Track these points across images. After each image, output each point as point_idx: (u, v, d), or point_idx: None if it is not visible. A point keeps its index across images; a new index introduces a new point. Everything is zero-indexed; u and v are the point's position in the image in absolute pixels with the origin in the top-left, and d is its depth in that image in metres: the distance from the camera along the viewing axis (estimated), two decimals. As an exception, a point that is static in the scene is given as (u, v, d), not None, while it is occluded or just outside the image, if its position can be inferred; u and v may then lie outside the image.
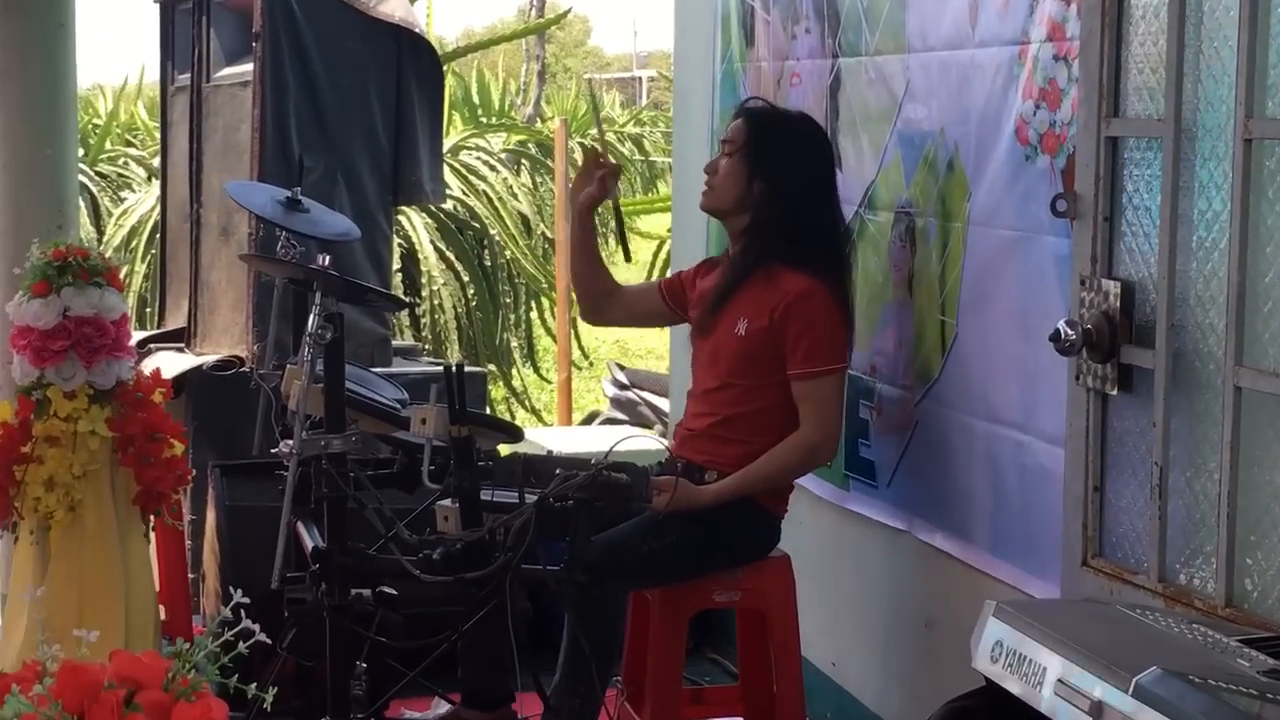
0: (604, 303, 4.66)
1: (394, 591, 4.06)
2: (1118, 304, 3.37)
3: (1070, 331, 3.44)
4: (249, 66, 6.43)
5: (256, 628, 2.09)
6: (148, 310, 11.12)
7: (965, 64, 4.13)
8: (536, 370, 13.32)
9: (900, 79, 4.47)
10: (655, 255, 13.31)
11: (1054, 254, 3.72)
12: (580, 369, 13.59)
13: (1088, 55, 3.47)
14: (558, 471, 3.85)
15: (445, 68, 11.50)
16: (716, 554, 4.28)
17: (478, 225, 11.97)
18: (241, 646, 2.03)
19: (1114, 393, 3.42)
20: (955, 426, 4.23)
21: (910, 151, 4.42)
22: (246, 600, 2.14)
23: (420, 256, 11.26)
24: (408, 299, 10.97)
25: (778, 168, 4.32)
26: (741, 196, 4.34)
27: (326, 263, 4.36)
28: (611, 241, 22.30)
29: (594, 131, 9.92)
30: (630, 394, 10.42)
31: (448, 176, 11.59)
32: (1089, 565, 3.50)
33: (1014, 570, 3.95)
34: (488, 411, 8.66)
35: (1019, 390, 3.93)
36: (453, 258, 11.54)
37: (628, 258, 4.89)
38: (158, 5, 7.25)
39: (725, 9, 5.69)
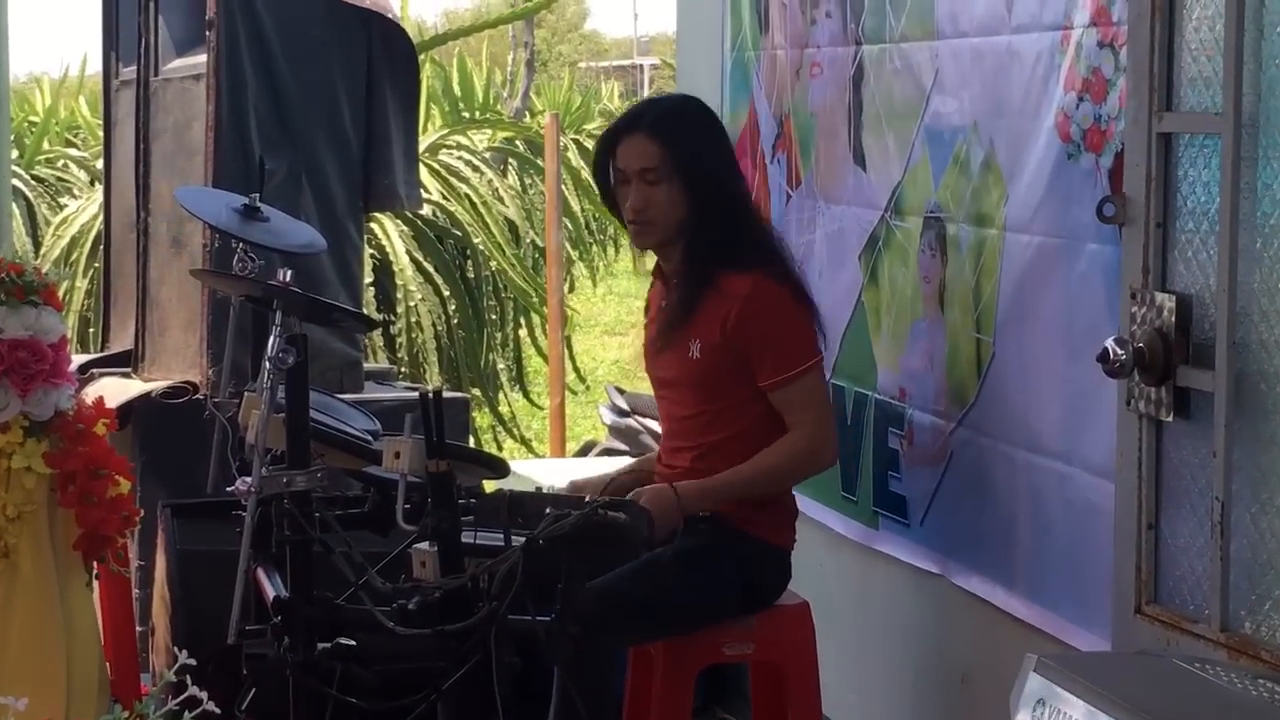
0: None
1: (352, 642, 4.06)
2: (1173, 320, 3.38)
3: (1120, 351, 3.44)
4: (202, 58, 6.43)
5: (204, 695, 2.08)
6: (90, 331, 11.12)
7: (1001, 51, 4.14)
8: (526, 395, 13.33)
9: (928, 68, 4.48)
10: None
11: (1101, 263, 3.73)
12: (575, 393, 13.60)
13: (1136, 42, 3.48)
14: (548, 510, 3.85)
15: (423, 57, 11.53)
16: (724, 598, 4.29)
17: (459, 233, 11.98)
18: (188, 717, 2.03)
19: (1169, 419, 3.42)
20: (994, 457, 4.23)
21: (939, 149, 4.44)
22: (193, 662, 2.13)
23: (395, 269, 11.27)
24: (381, 317, 10.98)
25: (710, 170, 4.38)
26: (684, 218, 4.37)
27: (288, 278, 4.37)
28: (610, 252, 22.26)
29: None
30: (631, 421, 10.39)
31: (425, 179, 11.61)
32: (1143, 613, 3.50)
33: (1056, 619, 3.96)
34: (471, 442, 8.66)
35: (1062, 416, 3.94)
36: (431, 270, 11.55)
37: None
38: (100, -11, 7.27)
39: (738, -12, 5.70)
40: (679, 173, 4.34)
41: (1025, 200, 4.05)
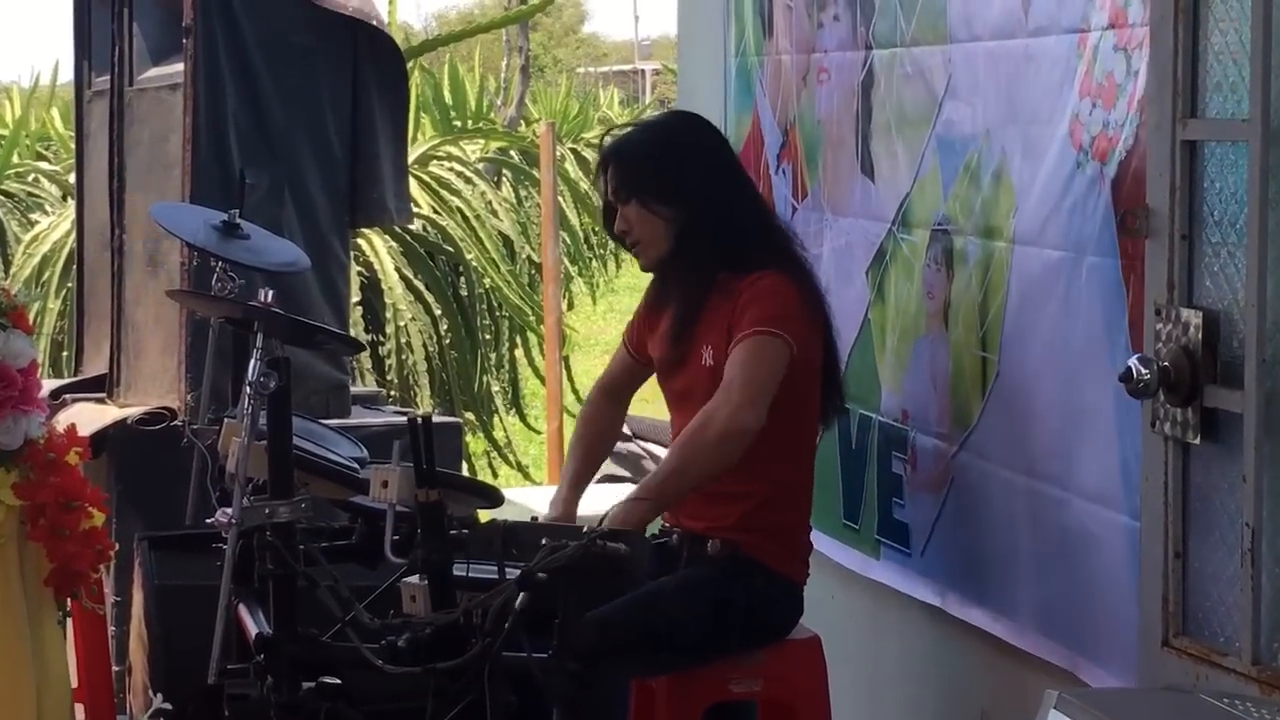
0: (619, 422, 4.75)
1: (339, 682, 4.06)
2: (1199, 337, 3.39)
3: (1144, 370, 3.45)
4: (179, 67, 6.45)
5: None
6: (63, 355, 11.12)
7: (1018, 56, 4.15)
8: (523, 418, 13.33)
9: (941, 74, 4.50)
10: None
11: (1100, 278, 3.76)
12: (574, 417, 13.57)
13: (1159, 46, 3.50)
14: (544, 541, 3.85)
15: (411, 63, 11.54)
16: (731, 632, 4.30)
17: (451, 249, 11.98)
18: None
19: (1196, 441, 3.43)
20: (994, 483, 4.25)
21: (950, 159, 4.45)
22: (169, 706, 2.14)
23: (384, 287, 11.27)
24: (368, 338, 10.98)
25: (676, 185, 4.40)
26: (666, 235, 4.42)
27: (270, 298, 4.38)
28: (611, 267, 22.28)
29: None
30: (633, 446, 10.40)
31: (415, 192, 11.62)
32: (1170, 646, 3.50)
33: (1064, 651, 3.98)
34: (464, 469, 8.65)
35: (1059, 440, 3.96)
36: (422, 287, 11.55)
37: None
38: (71, -5, 7.28)
39: (738, -8, 5.72)
40: (640, 192, 4.42)
41: (1035, 212, 4.07)
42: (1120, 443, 3.79)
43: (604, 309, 21.00)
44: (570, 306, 17.87)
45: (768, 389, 4.22)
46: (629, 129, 4.62)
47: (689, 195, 4.39)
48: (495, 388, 12.44)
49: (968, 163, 4.37)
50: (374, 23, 6.80)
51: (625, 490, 5.21)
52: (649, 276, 4.63)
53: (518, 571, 3.85)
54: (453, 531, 3.99)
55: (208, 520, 4.27)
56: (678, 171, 4.41)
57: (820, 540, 5.04)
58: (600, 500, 4.64)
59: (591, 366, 17.51)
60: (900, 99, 4.73)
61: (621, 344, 4.77)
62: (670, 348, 4.47)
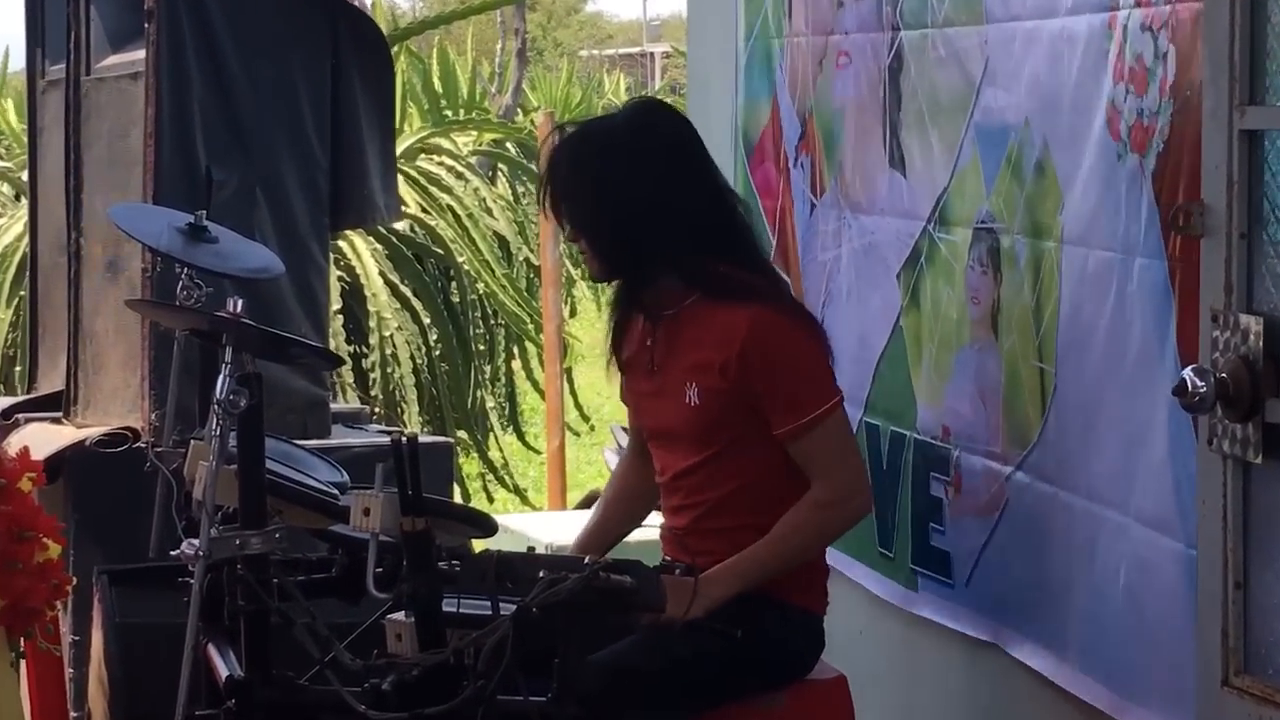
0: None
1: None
2: (1260, 345, 3.38)
3: (1199, 382, 3.44)
4: (140, 54, 6.45)
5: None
6: (16, 370, 11.15)
7: (1055, 36, 4.16)
8: (521, 437, 13.35)
9: (977, 57, 4.50)
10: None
11: (1149, 281, 3.77)
12: (577, 435, 13.61)
13: (1214, 27, 3.49)
14: (541, 574, 3.86)
15: (397, 48, 11.57)
16: (747, 672, 4.30)
17: (441, 251, 12.01)
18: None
19: (1258, 460, 3.43)
20: (1053, 507, 4.25)
21: (991, 150, 4.45)
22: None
23: (367, 293, 11.30)
24: (351, 349, 11.00)
25: (612, 203, 4.35)
26: (610, 259, 4.41)
27: (240, 308, 4.38)
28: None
29: None
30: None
31: (402, 188, 11.63)
32: (1230, 685, 3.49)
33: (1111, 692, 3.99)
34: (457, 493, 8.66)
35: (1116, 459, 3.97)
36: (409, 294, 11.58)
37: None
38: (23, -24, 7.30)
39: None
40: (572, 215, 4.42)
41: (1080, 208, 4.08)
42: (1174, 463, 3.79)
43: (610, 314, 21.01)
44: (573, 313, 17.90)
45: (859, 459, 4.41)
46: (572, 132, 4.51)
47: (627, 218, 4.34)
48: (490, 403, 12.47)
49: (1009, 154, 4.37)
50: (355, 3, 6.81)
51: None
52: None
53: (513, 607, 3.85)
54: (442, 564, 4.00)
55: (173, 552, 4.27)
56: (610, 191, 4.34)
57: (853, 569, 5.05)
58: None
59: (596, 379, 17.49)
60: (934, 84, 4.72)
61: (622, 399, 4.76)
62: (642, 379, 4.47)
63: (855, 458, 4.38)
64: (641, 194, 4.34)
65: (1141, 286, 3.84)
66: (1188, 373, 3.47)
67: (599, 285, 18.92)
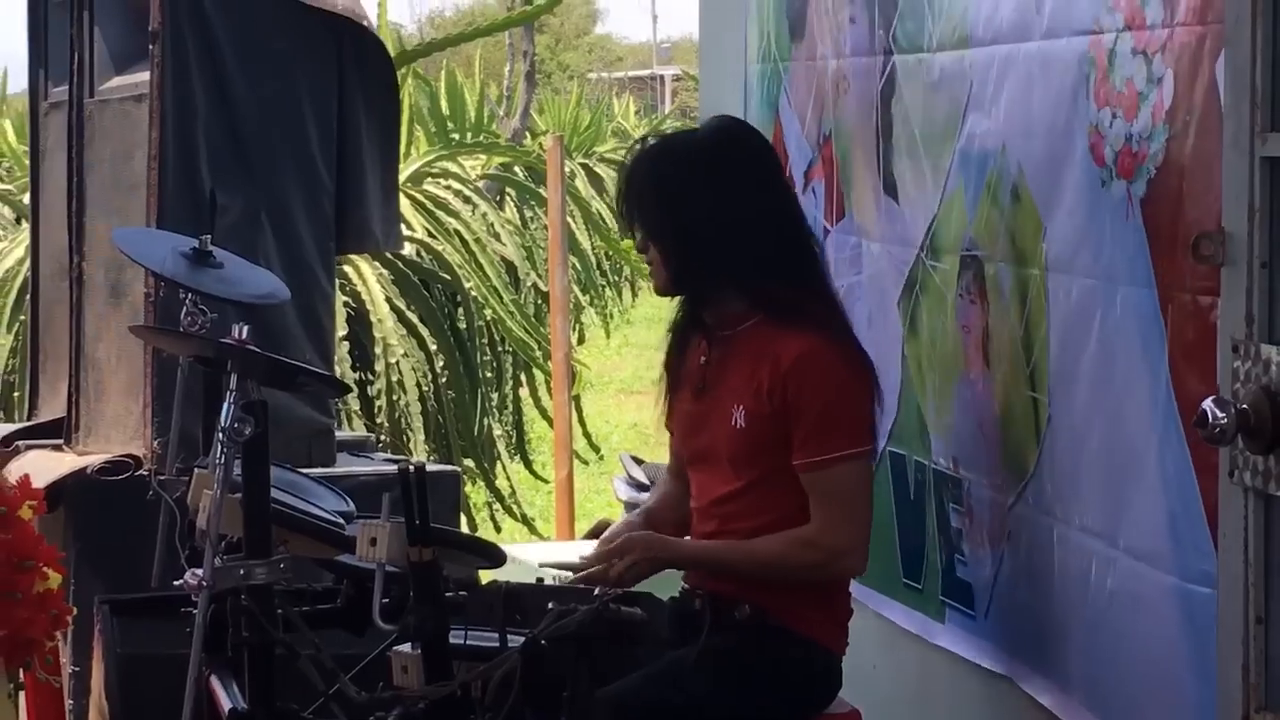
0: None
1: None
2: (1282, 376, 3.39)
3: (1220, 413, 3.44)
4: (144, 76, 6.47)
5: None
6: (15, 396, 11.16)
7: (1032, 59, 4.16)
8: (528, 465, 13.34)
9: (962, 82, 4.50)
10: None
11: (1135, 310, 3.77)
12: (586, 463, 13.60)
13: (1236, 51, 3.49)
14: (550, 605, 3.86)
15: (405, 70, 11.59)
16: (762, 709, 4.29)
17: (448, 276, 12.01)
18: None
19: (1280, 493, 3.43)
20: (1051, 538, 4.25)
21: (972, 176, 4.46)
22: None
23: (373, 319, 11.30)
24: (356, 376, 10.99)
25: (686, 218, 4.38)
26: (679, 273, 4.42)
27: (244, 334, 4.39)
28: (626, 296, 22.30)
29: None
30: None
31: (409, 213, 11.65)
32: (1252, 721, 3.50)
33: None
34: (463, 522, 8.66)
35: (1106, 490, 3.97)
36: (416, 320, 11.57)
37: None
38: (25, -4, 7.32)
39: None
40: (651, 227, 4.44)
41: (1064, 235, 4.08)
42: (1166, 494, 3.79)
43: (618, 343, 21.03)
44: (581, 340, 17.91)
45: (867, 520, 4.36)
46: (654, 144, 4.58)
47: (699, 233, 4.37)
48: (498, 431, 12.46)
49: (988, 181, 4.38)
50: (362, 24, 6.81)
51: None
52: (667, 307, 4.64)
53: (521, 639, 3.86)
54: (449, 594, 4.00)
55: (176, 582, 4.28)
56: (685, 206, 4.37)
57: (875, 601, 5.04)
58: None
59: (605, 407, 17.55)
60: (924, 110, 4.73)
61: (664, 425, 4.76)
62: (692, 399, 4.47)
63: (864, 514, 4.34)
64: (715, 210, 4.36)
65: (1127, 315, 3.83)
66: (1208, 404, 3.46)
67: (608, 312, 18.91)
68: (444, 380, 11.62)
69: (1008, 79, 4.27)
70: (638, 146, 4.58)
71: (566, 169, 11.73)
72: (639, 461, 11.22)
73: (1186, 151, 3.70)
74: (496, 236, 12.98)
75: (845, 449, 4.28)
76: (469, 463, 11.81)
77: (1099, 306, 3.95)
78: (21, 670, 4.54)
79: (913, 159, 4.77)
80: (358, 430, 10.10)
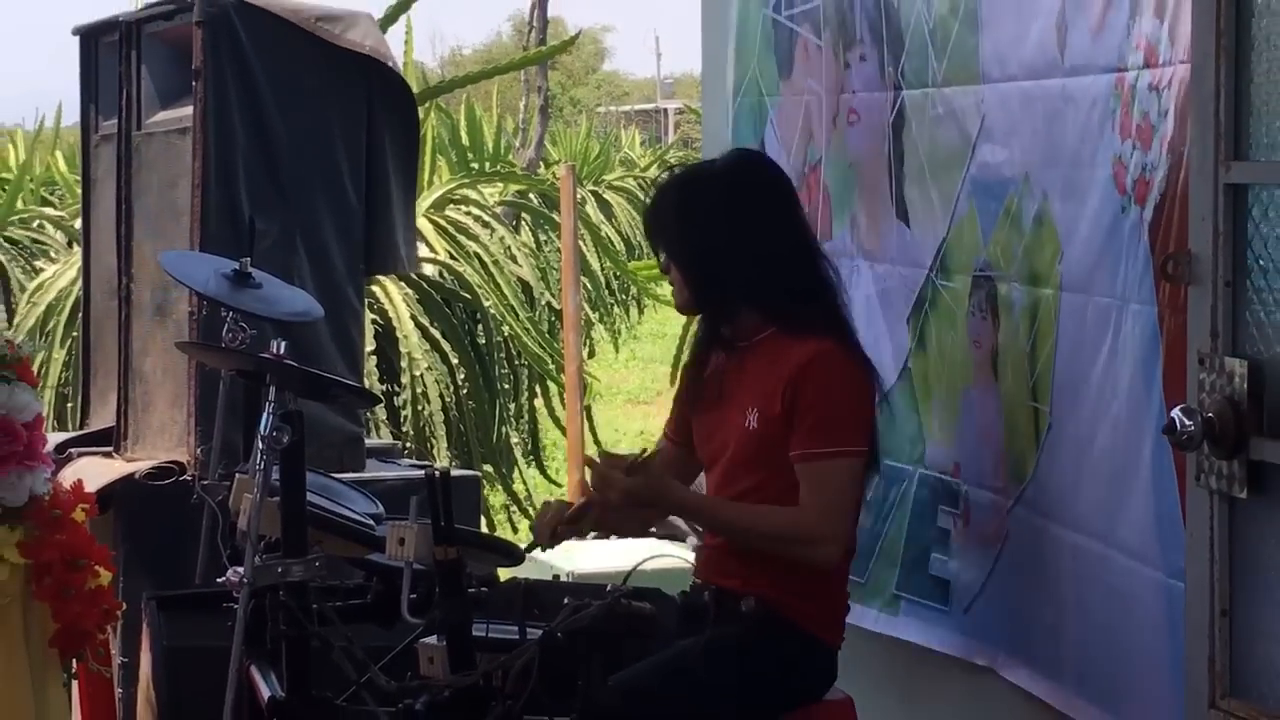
0: None
1: None
2: (1245, 387, 3.38)
3: (1188, 421, 3.44)
4: (188, 110, 6.47)
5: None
6: (69, 406, 11.15)
7: (1055, 96, 4.17)
8: (543, 471, 13.34)
9: (974, 115, 4.51)
10: (686, 330, 13.36)
11: (1141, 326, 3.77)
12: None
13: (1201, 86, 3.50)
14: (566, 601, 3.86)
15: (428, 104, 11.58)
16: (760, 697, 4.28)
17: (469, 295, 12.01)
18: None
19: (1243, 495, 3.42)
20: (1047, 539, 4.26)
21: (988, 203, 4.46)
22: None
23: (399, 335, 11.30)
24: (384, 387, 10.99)
25: (702, 247, 4.41)
26: (698, 292, 4.44)
27: (282, 349, 4.39)
28: (633, 313, 22.26)
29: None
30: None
31: (432, 236, 11.67)
32: (1217, 707, 3.49)
33: (1101, 715, 3.98)
34: (483, 523, 8.66)
35: (1103, 494, 3.98)
36: (439, 335, 11.57)
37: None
38: (77, 36, 7.31)
39: (742, 29, 5.72)
40: (669, 249, 4.47)
41: (1081, 257, 4.08)
42: (1155, 497, 3.81)
43: (626, 356, 21.02)
44: (591, 354, 17.89)
45: (852, 516, 4.32)
46: (679, 174, 4.62)
47: (717, 257, 4.39)
48: (514, 439, 12.46)
49: (1007, 206, 4.39)
50: (389, 63, 6.82)
51: (647, 547, 5.22)
52: (672, 323, 4.66)
53: (539, 632, 3.85)
54: (472, 590, 4.00)
55: (218, 579, 4.28)
56: (705, 232, 4.39)
57: (867, 597, 5.04)
58: (623, 559, 4.63)
59: (613, 416, 17.54)
60: (933, 140, 4.74)
61: (664, 436, 4.71)
62: (709, 402, 4.47)
63: (849, 509, 4.30)
64: (732, 235, 4.38)
65: (1133, 331, 3.86)
66: (1176, 413, 3.47)
67: (616, 328, 18.89)
68: (465, 392, 11.61)
69: (1029, 113, 4.28)
70: (664, 177, 4.60)
71: (578, 196, 11.72)
72: (646, 466, 11.17)
73: (1181, 179, 3.71)
74: (513, 258, 12.98)
75: (842, 445, 4.27)
76: (488, 468, 11.81)
77: (1112, 323, 3.97)
78: (75, 661, 4.53)
79: (922, 187, 4.78)
80: (385, 438, 10.09)
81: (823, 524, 4.25)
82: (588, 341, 17.11)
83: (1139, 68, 3.83)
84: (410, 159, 6.98)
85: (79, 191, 8.27)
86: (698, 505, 4.41)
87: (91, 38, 7.22)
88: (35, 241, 14.83)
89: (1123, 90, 3.90)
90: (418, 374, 11.26)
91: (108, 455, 6.73)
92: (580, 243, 12.65)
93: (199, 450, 6.20)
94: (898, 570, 4.84)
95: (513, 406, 12.48)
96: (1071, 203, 4.12)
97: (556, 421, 13.07)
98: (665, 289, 15.25)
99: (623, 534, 4.78)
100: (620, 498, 4.28)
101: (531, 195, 16.19)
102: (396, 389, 11.23)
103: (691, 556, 4.54)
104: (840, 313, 4.46)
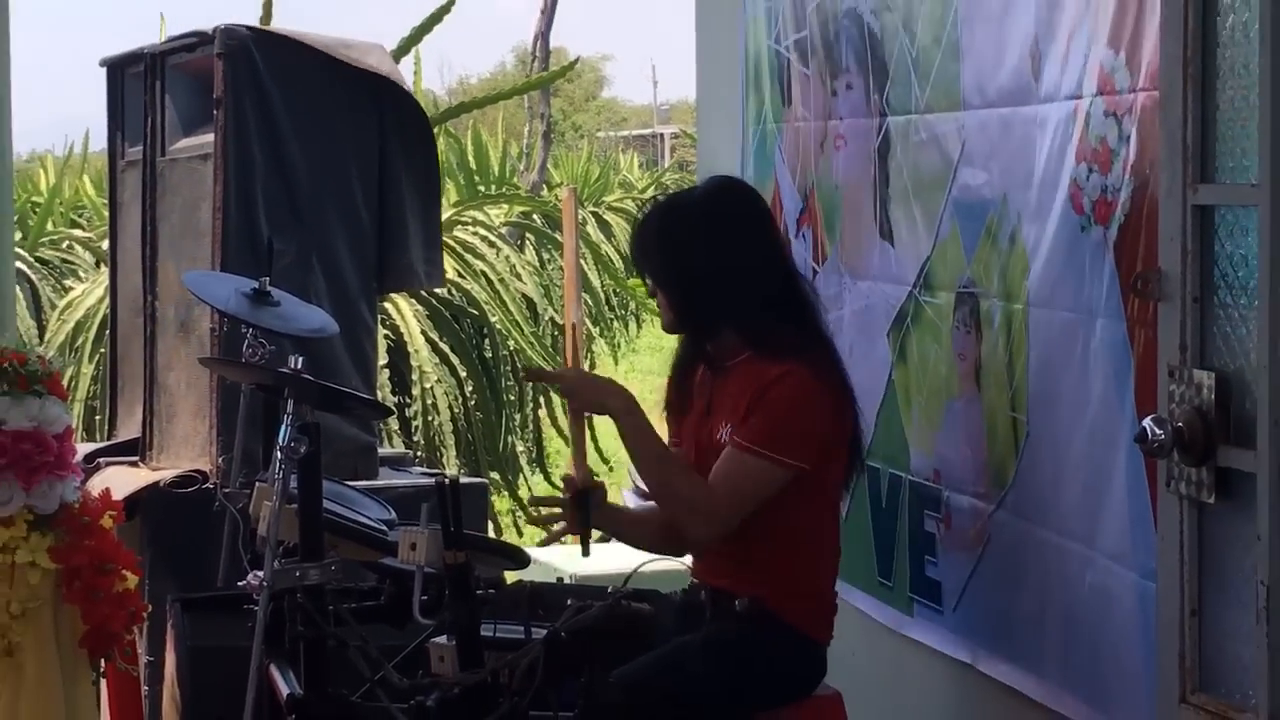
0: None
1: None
2: (1212, 398, 3.39)
3: (1158, 430, 3.45)
4: (209, 137, 6.47)
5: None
6: (97, 418, 11.16)
7: (1029, 122, 4.19)
8: (547, 478, 13.34)
9: (955, 140, 4.53)
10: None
11: (1109, 339, 3.79)
12: (598, 475, 13.60)
13: (1169, 112, 3.51)
14: (569, 602, 3.87)
15: (437, 129, 11.57)
16: (753, 692, 4.29)
17: (476, 312, 12.02)
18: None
19: (1211, 501, 3.43)
20: (1029, 541, 4.26)
21: (970, 223, 4.48)
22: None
23: (410, 349, 11.30)
24: (396, 399, 11.00)
25: (685, 268, 4.40)
26: (681, 314, 4.44)
27: (300, 365, 4.40)
28: (632, 327, 22.22)
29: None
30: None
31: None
32: (1187, 702, 3.50)
33: (1084, 707, 4.00)
34: (490, 528, 8.65)
35: (1083, 498, 3.99)
36: (448, 350, 11.58)
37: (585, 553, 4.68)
38: (104, 68, 7.33)
39: (755, 61, 5.75)
40: (652, 275, 4.48)
41: (1045, 274, 4.12)
42: (1130, 502, 3.83)
43: (625, 368, 21.02)
44: (592, 367, 17.90)
45: (747, 508, 4.27)
46: (661, 202, 4.62)
47: (696, 281, 4.38)
48: (520, 447, 12.47)
49: (988, 226, 4.41)
50: (403, 87, 6.82)
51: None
52: (669, 337, 4.66)
53: (544, 631, 3.86)
54: (480, 592, 4.01)
55: (239, 582, 4.28)
56: (684, 257, 4.39)
57: (854, 596, 5.05)
58: (624, 562, 4.63)
59: (614, 426, 17.52)
60: (916, 164, 4.76)
61: (672, 444, 4.70)
62: (698, 423, 4.49)
63: (742, 506, 4.25)
64: (711, 259, 4.37)
65: (1102, 344, 3.87)
66: (1148, 422, 3.48)
67: (616, 341, 18.88)
68: (473, 403, 11.62)
69: (1006, 137, 4.30)
70: (648, 205, 4.60)
71: (579, 217, 11.72)
72: (645, 474, 11.16)
73: (1146, 201, 3.73)
74: (518, 276, 12.99)
75: (776, 453, 4.23)
76: (495, 475, 11.81)
77: (1078, 336, 3.99)
78: (104, 660, 4.53)
79: (906, 208, 4.80)
80: (397, 447, 10.10)
81: (720, 507, 4.25)
82: (589, 354, 17.11)
83: (1093, 94, 3.86)
84: (429, 178, 6.94)
85: (106, 214, 8.29)
86: (646, 427, 4.40)
87: (118, 69, 7.24)
88: (65, 261, 14.85)
89: (1079, 116, 3.93)
90: (428, 386, 11.27)
91: (134, 464, 6.74)
92: (581, 261, 12.65)
93: (221, 460, 6.21)
94: (909, 573, 4.86)
95: (518, 417, 12.49)
96: (1037, 223, 4.16)
97: (560, 430, 13.08)
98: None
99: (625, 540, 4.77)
100: (576, 376, 4.44)
101: (535, 216, 16.20)
102: (408, 401, 11.23)
103: (689, 560, 4.54)
104: (818, 333, 4.45)
